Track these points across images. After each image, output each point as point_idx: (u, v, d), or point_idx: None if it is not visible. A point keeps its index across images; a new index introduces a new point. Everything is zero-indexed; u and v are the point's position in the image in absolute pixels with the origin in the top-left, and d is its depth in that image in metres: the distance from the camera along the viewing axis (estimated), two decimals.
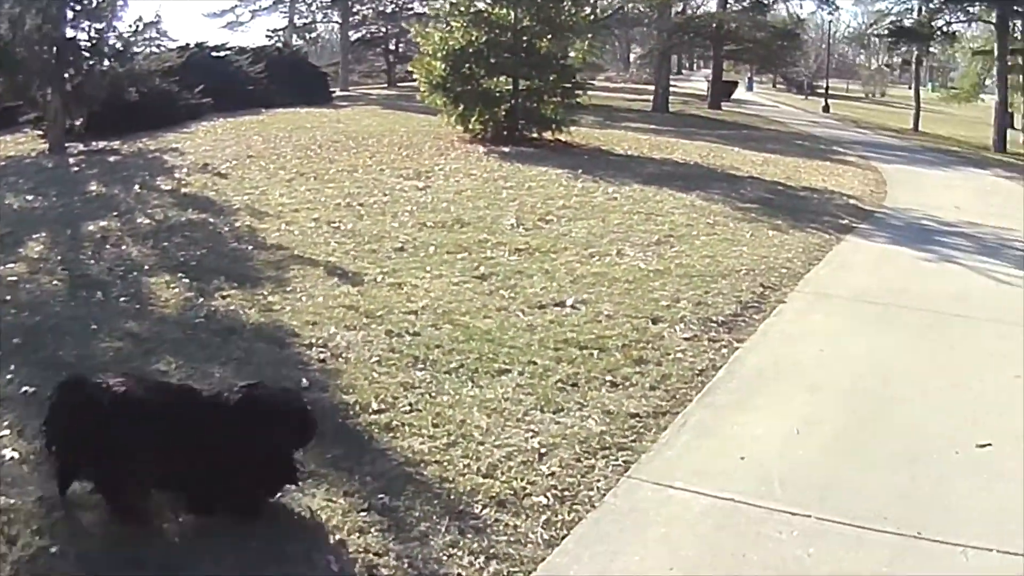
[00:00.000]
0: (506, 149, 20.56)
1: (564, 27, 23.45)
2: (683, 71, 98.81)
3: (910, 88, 56.15)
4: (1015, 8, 39.33)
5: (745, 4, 48.47)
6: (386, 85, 52.07)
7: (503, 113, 22.24)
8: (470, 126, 22.25)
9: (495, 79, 22.87)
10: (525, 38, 22.92)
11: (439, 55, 22.17)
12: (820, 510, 5.62)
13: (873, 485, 6.01)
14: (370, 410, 6.62)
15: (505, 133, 21.97)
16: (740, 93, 66.56)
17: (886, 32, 46.64)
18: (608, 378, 7.48)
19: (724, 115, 43.19)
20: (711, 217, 14.66)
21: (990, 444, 6.66)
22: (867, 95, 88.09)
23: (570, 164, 18.68)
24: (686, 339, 8.66)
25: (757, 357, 8.42)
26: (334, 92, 40.63)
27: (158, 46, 23.78)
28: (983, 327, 9.81)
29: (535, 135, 22.62)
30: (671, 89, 47.28)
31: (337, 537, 4.95)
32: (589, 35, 24.77)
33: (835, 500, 5.77)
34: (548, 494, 5.60)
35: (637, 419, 6.80)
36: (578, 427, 6.56)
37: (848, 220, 15.73)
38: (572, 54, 24.43)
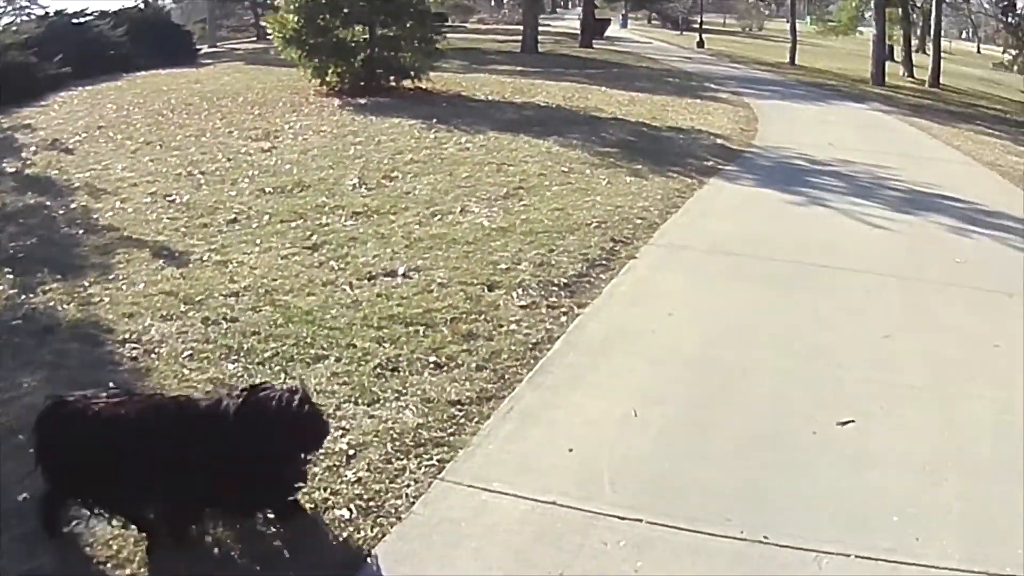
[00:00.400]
0: (363, 101, 19.89)
1: None
2: (557, 10, 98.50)
3: (787, 22, 56.45)
4: None
5: None
6: (255, 39, 50.30)
7: (359, 64, 21.66)
8: (327, 79, 21.52)
9: (351, 29, 22.29)
10: None
11: (292, 6, 21.38)
12: (654, 512, 4.94)
13: (717, 477, 5.34)
14: None
15: (363, 84, 21.40)
16: (614, 30, 65.98)
17: None
18: (432, 359, 6.75)
19: (595, 54, 42.48)
20: (567, 164, 14.03)
21: (853, 421, 6.05)
22: (744, 29, 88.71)
23: (426, 114, 18.06)
24: (522, 307, 7.91)
25: (599, 324, 7.69)
26: (201, 50, 39.25)
27: (28, 15, 22.14)
28: (851, 279, 9.28)
29: (394, 84, 22.09)
30: (544, 29, 46.57)
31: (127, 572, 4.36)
32: None
33: (672, 498, 5.10)
34: (352, 505, 4.91)
35: (459, 407, 6.05)
36: (393, 421, 5.79)
37: (714, 161, 15.24)
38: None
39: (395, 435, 5.64)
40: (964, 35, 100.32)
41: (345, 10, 21.93)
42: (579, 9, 69.85)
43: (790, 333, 7.70)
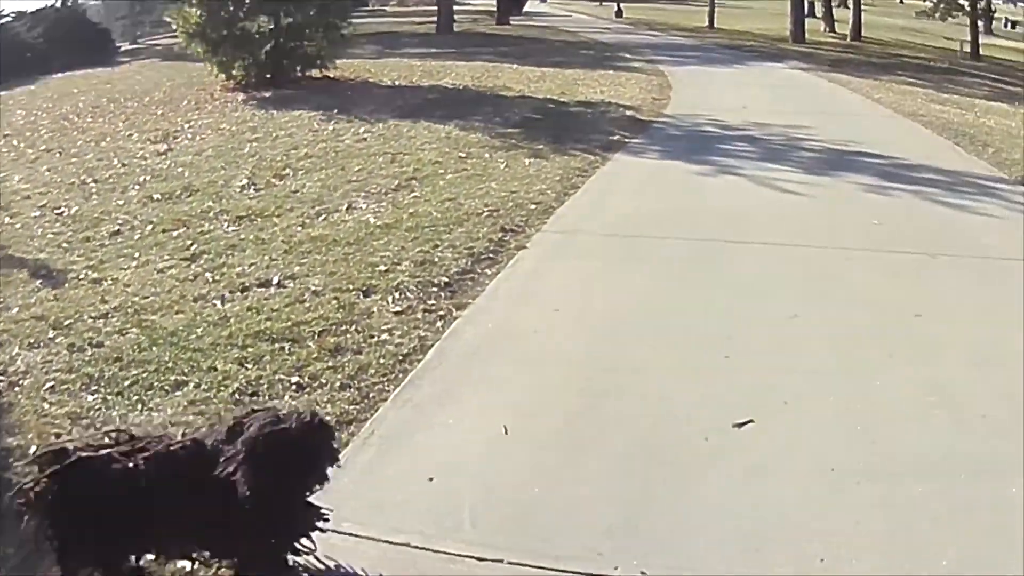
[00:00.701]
0: (267, 94, 19.39)
1: None
2: None
3: None
4: None
5: None
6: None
7: (264, 56, 20.84)
8: (234, 73, 20.85)
9: (255, 19, 21.32)
10: None
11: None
12: (518, 550, 4.28)
13: (591, 504, 4.67)
14: (30, 455, 5.05)
15: (269, 77, 20.75)
16: (534, 6, 65.86)
17: None
18: (295, 379, 6.11)
19: (511, 30, 42.23)
20: (465, 149, 13.41)
21: (751, 421, 5.40)
22: None
23: (329, 104, 17.51)
24: (397, 313, 7.23)
25: (476, 328, 6.99)
26: (121, 48, 38.55)
27: None
28: (759, 254, 8.68)
29: (301, 75, 21.60)
30: (463, 8, 46.75)
31: None
32: None
33: (539, 531, 4.44)
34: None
35: None
36: None
37: (620, 135, 14.66)
38: None
39: None
40: None
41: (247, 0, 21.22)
42: None
43: (688, 322, 7.04)
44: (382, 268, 8.26)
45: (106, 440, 3.99)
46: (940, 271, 8.12)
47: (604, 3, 72.70)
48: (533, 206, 10.27)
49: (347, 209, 10.34)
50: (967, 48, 40.52)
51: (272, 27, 21.31)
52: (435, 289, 7.76)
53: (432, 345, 6.67)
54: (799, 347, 6.51)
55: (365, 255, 8.66)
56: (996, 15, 62.49)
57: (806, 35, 37.91)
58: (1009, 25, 65.89)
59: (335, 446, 4.15)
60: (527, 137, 14.33)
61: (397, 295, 7.60)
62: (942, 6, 42.24)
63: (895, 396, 5.75)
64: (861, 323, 6.94)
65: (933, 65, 31.85)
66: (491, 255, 8.69)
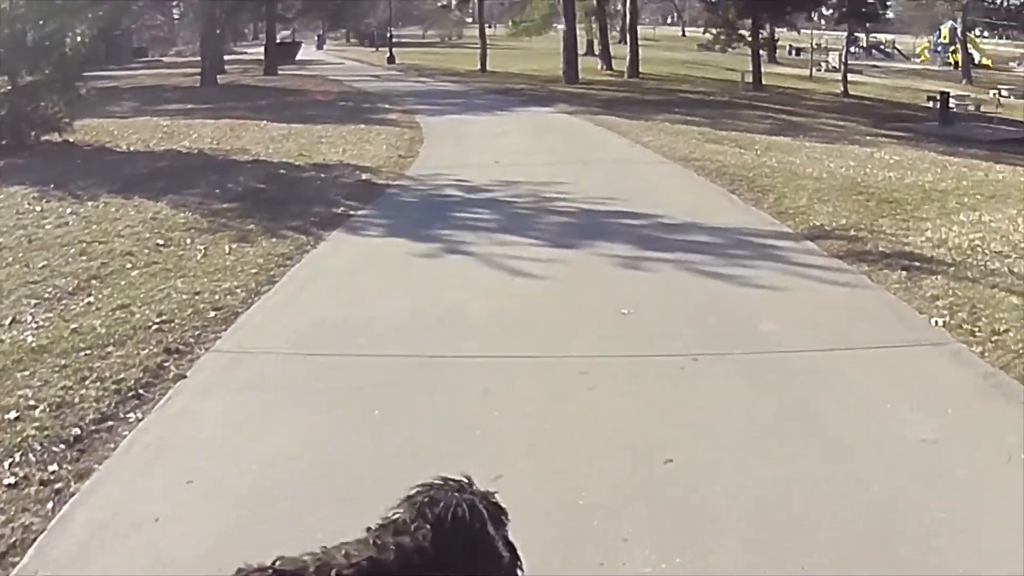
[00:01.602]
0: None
1: (64, 9, 20.57)
2: (260, 35, 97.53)
3: (490, 28, 56.24)
4: None
5: None
6: None
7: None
8: None
9: None
10: (19, 25, 19.66)
11: None
12: None
13: None
14: None
15: (4, 143, 19.24)
16: (309, 53, 65.71)
17: None
18: None
19: (277, 81, 41.30)
20: (168, 234, 11.75)
21: None
22: (443, 40, 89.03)
23: (50, 177, 15.72)
24: (10, 486, 5.55)
25: (89, 513, 5.26)
26: None
27: None
28: (471, 376, 7.09)
29: (37, 140, 20.13)
30: (236, 58, 46.99)
31: None
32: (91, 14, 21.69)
33: None
34: None
35: None
36: None
37: (345, 207, 13.31)
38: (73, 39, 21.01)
39: None
40: (670, 19, 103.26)
41: None
42: (284, 33, 68.58)
43: (371, 485, 5.35)
44: (12, 415, 6.46)
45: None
46: (702, 382, 6.79)
47: (380, 48, 72.48)
48: (213, 313, 8.62)
49: (10, 323, 8.53)
50: (749, 79, 40.63)
51: (10, 87, 19.74)
52: (62, 447, 6.01)
53: (32, 543, 5.01)
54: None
55: (2, 394, 6.86)
56: (779, 42, 64.11)
57: (580, 75, 37.57)
58: (794, 52, 67.65)
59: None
60: (242, 214, 12.86)
61: (19, 457, 5.87)
62: (722, 37, 42.38)
63: None
64: (591, 487, 5.36)
65: (713, 99, 31.80)
66: (142, 391, 6.94)
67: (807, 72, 53.27)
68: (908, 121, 31.14)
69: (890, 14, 77.64)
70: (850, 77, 43.64)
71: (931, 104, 35.37)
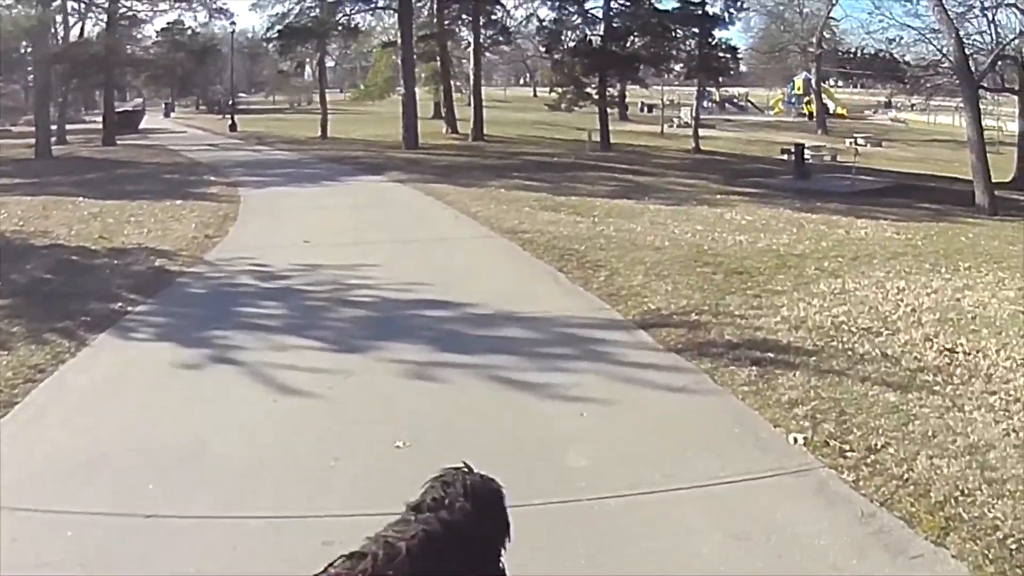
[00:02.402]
0: None
1: None
2: (116, 102, 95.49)
3: (342, 92, 55.08)
4: None
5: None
6: None
7: None
8: None
9: None
10: None
11: None
12: None
13: None
14: None
15: None
16: (156, 121, 63.24)
17: (276, 35, 44.84)
18: None
19: (113, 152, 39.18)
20: None
21: None
22: (292, 105, 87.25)
23: None
24: None
25: None
26: None
27: None
28: (195, 547, 5.46)
29: None
30: (82, 127, 45.00)
31: None
32: None
33: None
34: None
35: None
36: None
37: (124, 302, 11.42)
38: None
39: None
40: (523, 80, 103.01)
41: None
42: (136, 101, 66.45)
43: None
44: None
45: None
46: None
47: (226, 115, 71.01)
48: None
49: None
50: (596, 138, 39.55)
51: None
52: None
53: None
54: None
55: None
56: (631, 100, 63.76)
57: (421, 140, 36.42)
58: (646, 109, 67.35)
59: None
60: (12, 313, 10.97)
61: None
62: (568, 96, 41.34)
63: None
64: None
65: (557, 161, 30.71)
66: None
67: (659, 129, 52.55)
68: (762, 176, 30.12)
69: (743, 67, 78.47)
70: (703, 132, 42.92)
71: (786, 157, 34.48)
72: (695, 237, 15.52)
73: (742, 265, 12.85)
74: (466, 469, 4.05)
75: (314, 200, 20.87)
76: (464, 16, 46.38)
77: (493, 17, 47.98)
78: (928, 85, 35.80)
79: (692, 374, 7.98)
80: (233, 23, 61.94)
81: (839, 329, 9.45)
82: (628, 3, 40.70)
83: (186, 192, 23.28)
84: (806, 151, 34.00)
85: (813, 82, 68.71)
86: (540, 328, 9.39)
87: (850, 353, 8.61)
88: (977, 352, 8.91)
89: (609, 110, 42.26)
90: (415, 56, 43.70)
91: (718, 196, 23.18)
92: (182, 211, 19.58)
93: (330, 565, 3.62)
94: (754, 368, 8.01)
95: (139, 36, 56.52)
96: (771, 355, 8.43)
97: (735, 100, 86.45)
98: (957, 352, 8.88)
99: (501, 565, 4.06)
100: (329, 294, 11.31)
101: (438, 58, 47.98)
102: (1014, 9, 32.77)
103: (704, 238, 15.42)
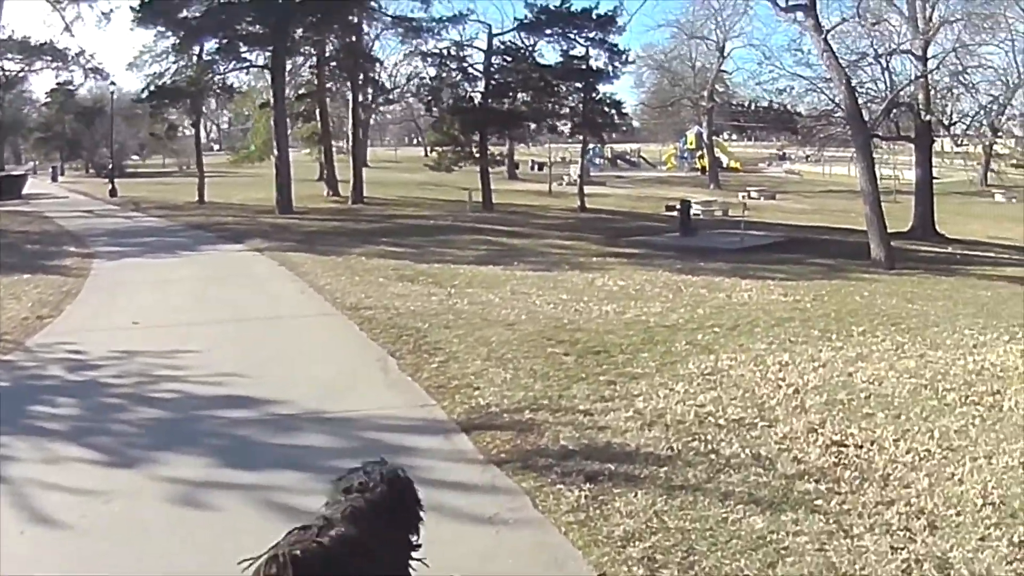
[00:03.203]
0: None
1: None
2: (6, 166, 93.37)
3: (225, 154, 53.83)
4: (287, 46, 38.45)
5: None
6: None
7: None
8: None
9: None
10: None
11: None
12: None
13: None
14: None
15: None
16: (43, 185, 61.29)
17: (146, 96, 43.52)
18: None
19: None
20: None
21: None
22: (180, 168, 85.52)
23: None
24: None
25: None
26: None
27: None
28: None
29: None
30: None
31: None
32: None
33: None
34: None
35: None
36: None
37: None
38: None
39: None
40: (416, 140, 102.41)
41: None
42: (28, 165, 64.69)
43: None
44: None
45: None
46: None
47: (114, 179, 69.86)
48: None
49: None
50: (478, 198, 38.69)
51: None
52: None
53: None
54: None
55: None
56: (519, 158, 63.28)
57: (296, 203, 35.48)
58: (536, 168, 66.95)
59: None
60: None
61: None
62: (449, 155, 40.55)
63: None
64: None
65: (433, 224, 29.97)
66: None
67: (547, 188, 51.86)
68: (646, 234, 29.46)
69: (636, 123, 78.54)
70: (593, 189, 42.54)
71: (673, 213, 33.79)
72: (556, 308, 14.49)
73: (602, 342, 11.73)
74: (381, 462, 4.94)
75: (163, 273, 19.68)
76: (342, 74, 45.35)
77: (371, 75, 47.23)
78: (821, 135, 35.60)
79: (509, 496, 6.62)
80: (113, 83, 61.33)
81: (703, 423, 8.32)
82: (510, 59, 40.06)
83: (39, 265, 21.89)
84: (696, 206, 33.47)
85: (705, 136, 68.90)
86: (347, 433, 8.08)
87: (712, 458, 7.39)
88: (871, 444, 7.81)
89: (496, 169, 41.53)
90: (299, 115, 42.72)
91: (594, 259, 22.21)
92: (26, 287, 18.19)
93: (289, 533, 4.37)
94: (588, 486, 6.69)
95: (27, 98, 55.20)
96: (611, 466, 7.12)
97: (627, 156, 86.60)
98: (847, 446, 7.76)
99: (417, 538, 4.79)
100: (132, 389, 9.93)
101: (318, 121, 47.12)
102: (908, 56, 32.71)
103: (567, 310, 14.37)
